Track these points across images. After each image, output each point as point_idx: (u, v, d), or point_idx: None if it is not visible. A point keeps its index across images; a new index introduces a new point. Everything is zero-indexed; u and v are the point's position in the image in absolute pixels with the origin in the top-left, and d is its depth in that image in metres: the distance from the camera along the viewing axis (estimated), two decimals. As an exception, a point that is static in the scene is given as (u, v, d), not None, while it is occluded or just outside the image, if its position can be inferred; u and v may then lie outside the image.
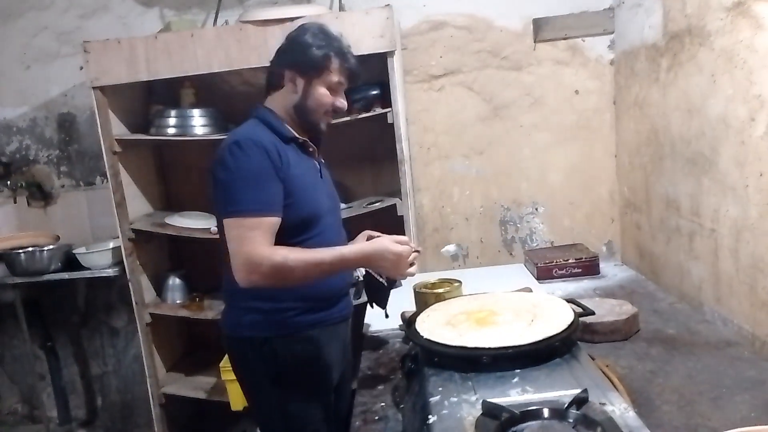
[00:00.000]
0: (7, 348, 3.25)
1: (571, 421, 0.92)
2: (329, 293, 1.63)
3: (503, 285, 1.95)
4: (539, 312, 1.28)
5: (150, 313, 2.65)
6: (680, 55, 2.05)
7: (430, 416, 1.01)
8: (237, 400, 2.47)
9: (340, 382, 1.71)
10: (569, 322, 1.20)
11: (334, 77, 1.58)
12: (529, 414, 0.94)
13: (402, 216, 2.48)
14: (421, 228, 2.91)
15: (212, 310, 2.62)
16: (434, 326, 1.28)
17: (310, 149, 1.64)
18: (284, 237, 1.48)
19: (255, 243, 1.42)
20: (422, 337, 1.24)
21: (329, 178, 1.75)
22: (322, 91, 1.57)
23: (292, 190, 1.52)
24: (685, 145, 2.06)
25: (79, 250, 2.78)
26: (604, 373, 1.16)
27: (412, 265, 1.51)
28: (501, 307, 1.35)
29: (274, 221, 1.46)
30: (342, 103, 1.62)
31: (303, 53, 1.56)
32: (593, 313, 1.34)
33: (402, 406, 1.32)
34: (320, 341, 1.61)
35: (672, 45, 2.11)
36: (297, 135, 1.61)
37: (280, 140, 1.55)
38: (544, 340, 1.13)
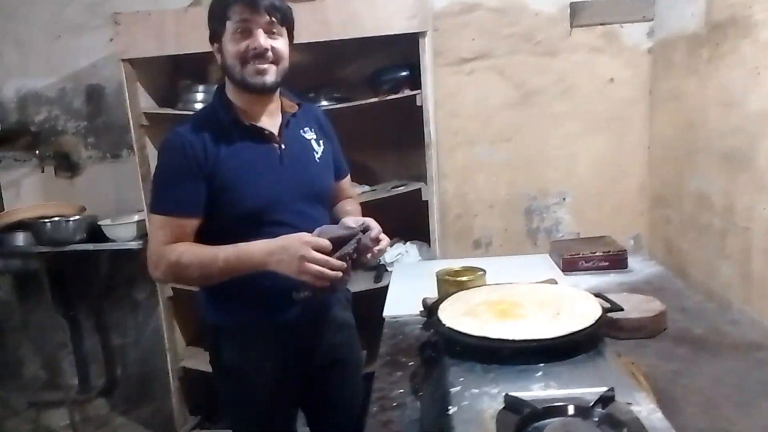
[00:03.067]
0: (31, 315, 3.31)
1: (595, 419, 0.89)
2: (280, 290, 1.46)
3: (527, 275, 1.92)
4: (565, 305, 1.25)
5: (171, 287, 2.67)
6: (722, 46, 1.98)
7: (450, 407, 0.99)
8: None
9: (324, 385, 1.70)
10: (596, 318, 1.17)
11: (235, 20, 1.43)
12: (553, 410, 0.91)
13: (426, 201, 2.45)
14: (444, 214, 2.88)
15: (233, 287, 2.63)
16: (456, 315, 1.25)
17: (266, 132, 1.51)
18: (228, 236, 1.43)
19: (159, 241, 1.41)
20: (444, 325, 1.21)
21: (310, 160, 1.59)
22: (230, 44, 1.44)
23: (223, 186, 1.44)
24: (722, 140, 2.00)
25: (103, 222, 2.80)
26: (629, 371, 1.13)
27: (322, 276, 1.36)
28: (526, 298, 1.31)
29: (184, 222, 1.43)
30: (256, 42, 1.42)
31: (208, 22, 1.50)
32: (621, 309, 1.30)
33: (420, 393, 1.30)
34: (268, 340, 1.56)
35: (714, 35, 2.03)
36: (241, 119, 1.49)
37: (219, 128, 1.46)
38: (570, 334, 1.10)
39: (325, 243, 1.38)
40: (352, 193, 1.87)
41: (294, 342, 1.60)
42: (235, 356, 1.56)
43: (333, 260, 1.37)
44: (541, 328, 1.14)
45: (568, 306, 1.25)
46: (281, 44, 1.47)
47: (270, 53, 1.44)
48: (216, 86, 2.50)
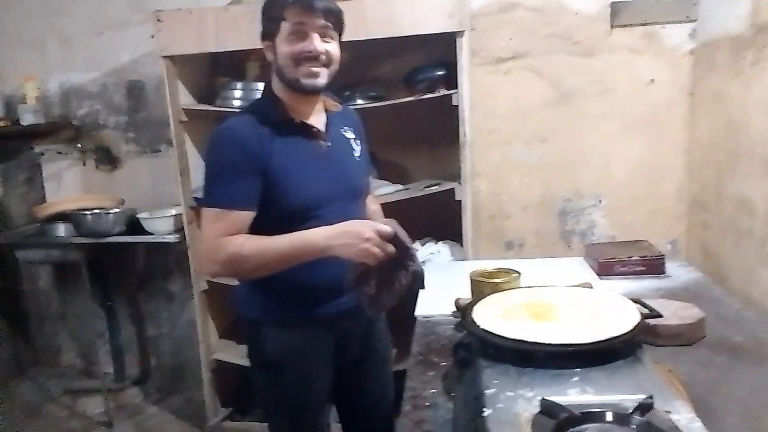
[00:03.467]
0: (69, 305, 3.40)
1: (633, 427, 0.88)
2: (320, 285, 1.55)
3: (562, 278, 1.90)
4: (602, 310, 1.24)
5: (206, 281, 2.71)
6: (768, 49, 1.93)
7: (484, 409, 0.98)
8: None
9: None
10: (635, 323, 1.15)
11: (291, 21, 1.43)
12: (590, 416, 0.90)
13: (459, 201, 2.44)
14: (477, 214, 2.86)
15: (266, 281, 2.65)
16: (491, 317, 1.25)
17: (314, 130, 1.54)
18: (276, 230, 1.43)
19: (215, 233, 1.41)
20: (479, 327, 1.21)
21: (351, 158, 1.63)
22: (284, 45, 1.45)
23: (276, 181, 1.45)
24: (766, 144, 1.95)
25: (142, 215, 2.86)
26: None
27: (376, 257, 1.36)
28: (561, 302, 1.30)
29: (240, 215, 1.43)
30: (311, 45, 1.44)
31: (261, 20, 1.50)
32: (660, 316, 1.28)
33: (453, 394, 1.30)
34: (307, 334, 1.59)
35: (760, 37, 1.98)
36: (291, 116, 1.51)
37: (271, 124, 1.48)
38: (607, 340, 1.09)
39: (388, 229, 1.38)
40: (372, 192, 1.90)
41: (333, 335, 1.63)
42: (276, 350, 1.58)
43: (391, 246, 1.37)
44: (578, 332, 1.13)
45: (605, 311, 1.24)
46: (334, 47, 1.49)
47: (323, 56, 1.46)
48: (254, 83, 2.58)
